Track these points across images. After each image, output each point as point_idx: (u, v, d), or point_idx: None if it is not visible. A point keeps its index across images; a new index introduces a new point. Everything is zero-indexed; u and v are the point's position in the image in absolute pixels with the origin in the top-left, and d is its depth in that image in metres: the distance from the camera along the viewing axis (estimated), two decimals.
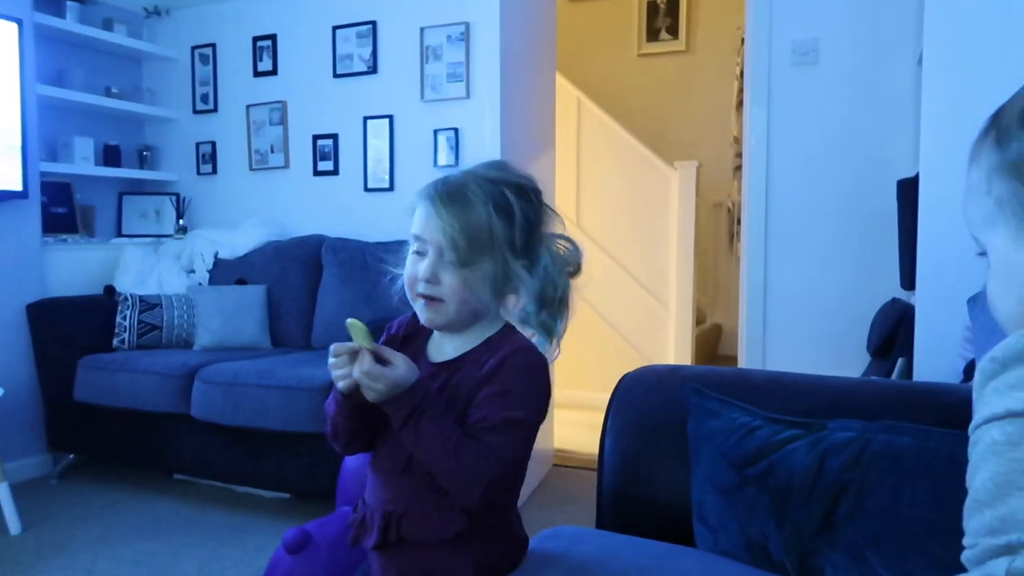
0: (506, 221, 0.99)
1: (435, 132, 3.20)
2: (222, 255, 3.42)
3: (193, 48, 3.71)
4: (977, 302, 1.10)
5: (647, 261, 4.23)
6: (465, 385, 1.01)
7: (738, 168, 4.72)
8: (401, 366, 0.94)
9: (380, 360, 0.94)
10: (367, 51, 3.33)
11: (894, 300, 2.50)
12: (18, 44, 2.91)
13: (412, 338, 1.11)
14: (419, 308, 1.04)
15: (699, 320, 4.82)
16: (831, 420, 1.07)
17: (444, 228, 0.97)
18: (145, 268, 3.41)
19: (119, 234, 3.70)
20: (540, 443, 1.29)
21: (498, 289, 1.01)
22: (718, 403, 1.17)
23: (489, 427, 0.95)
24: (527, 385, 0.98)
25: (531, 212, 1.01)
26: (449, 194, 0.99)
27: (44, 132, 3.24)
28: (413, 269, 1.02)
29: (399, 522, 1.02)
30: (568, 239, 1.06)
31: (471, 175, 1.02)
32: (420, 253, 1.01)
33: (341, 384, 0.97)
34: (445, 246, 0.98)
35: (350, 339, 0.95)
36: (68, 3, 3.29)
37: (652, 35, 5.75)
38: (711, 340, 5.25)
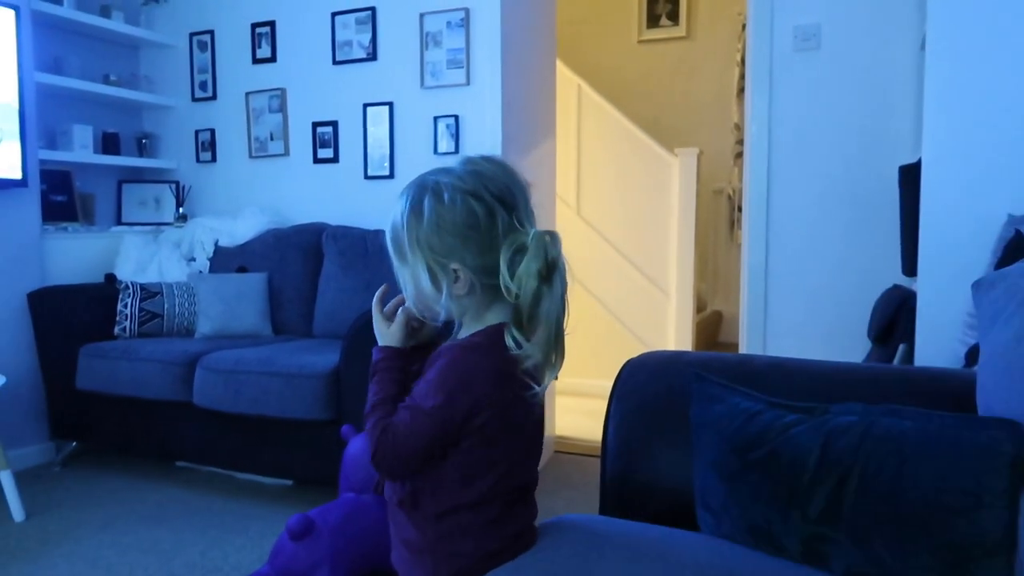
0: (417, 221, 1.04)
1: (435, 119, 3.18)
2: (222, 243, 3.41)
3: (191, 35, 3.69)
4: (981, 287, 1.10)
5: (647, 248, 4.22)
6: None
7: (739, 155, 4.71)
8: (385, 330, 1.10)
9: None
10: (366, 37, 3.31)
11: (895, 286, 2.50)
12: (15, 31, 2.90)
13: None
14: None
15: (699, 307, 4.82)
16: (833, 404, 1.07)
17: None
18: (145, 256, 3.41)
19: (119, 222, 3.69)
20: None
21: (436, 287, 1.03)
22: (720, 388, 1.17)
23: (402, 407, 1.02)
24: (438, 378, 1.00)
25: (444, 212, 1.01)
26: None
27: (43, 120, 3.23)
28: None
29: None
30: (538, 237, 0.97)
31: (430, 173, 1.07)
32: None
33: None
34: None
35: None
36: None
37: (652, 21, 5.72)
38: (711, 327, 5.26)
